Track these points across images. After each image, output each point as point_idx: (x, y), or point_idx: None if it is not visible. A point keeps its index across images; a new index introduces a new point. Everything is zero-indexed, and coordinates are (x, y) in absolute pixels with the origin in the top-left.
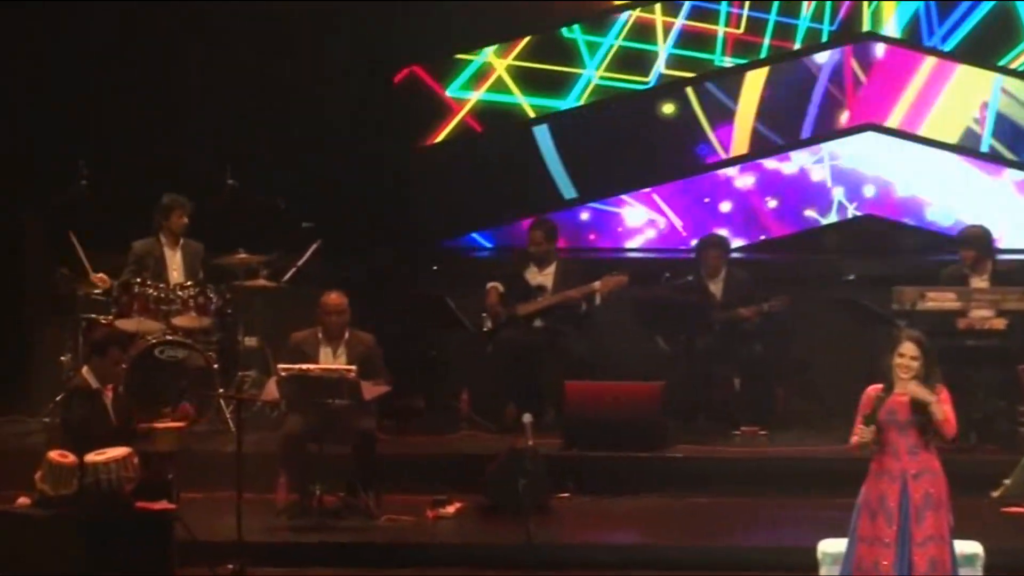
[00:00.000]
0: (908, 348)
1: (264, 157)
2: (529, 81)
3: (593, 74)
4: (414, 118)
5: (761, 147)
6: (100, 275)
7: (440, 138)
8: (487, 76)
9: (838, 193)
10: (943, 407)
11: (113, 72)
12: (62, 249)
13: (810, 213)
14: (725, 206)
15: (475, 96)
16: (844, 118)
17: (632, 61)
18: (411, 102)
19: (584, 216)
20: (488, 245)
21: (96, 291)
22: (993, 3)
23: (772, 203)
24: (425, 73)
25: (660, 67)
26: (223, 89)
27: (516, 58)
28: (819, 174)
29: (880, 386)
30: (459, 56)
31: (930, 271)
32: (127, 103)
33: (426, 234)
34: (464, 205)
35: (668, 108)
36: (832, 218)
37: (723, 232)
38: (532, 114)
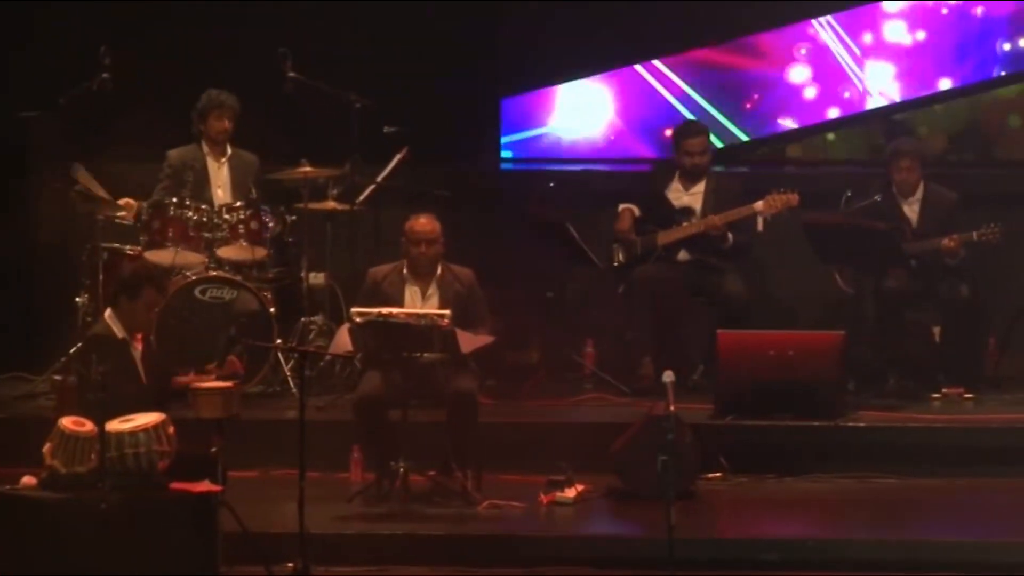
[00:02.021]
0: None
1: (333, 42)
2: None
3: None
4: None
5: None
6: (125, 200)
7: None
8: None
9: None
10: None
11: None
12: (76, 160)
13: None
14: None
15: None
16: None
17: None
18: None
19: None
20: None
21: (120, 215)
22: None
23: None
24: None
25: None
26: None
27: None
28: None
29: None
30: None
31: None
32: None
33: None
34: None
35: None
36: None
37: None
38: None
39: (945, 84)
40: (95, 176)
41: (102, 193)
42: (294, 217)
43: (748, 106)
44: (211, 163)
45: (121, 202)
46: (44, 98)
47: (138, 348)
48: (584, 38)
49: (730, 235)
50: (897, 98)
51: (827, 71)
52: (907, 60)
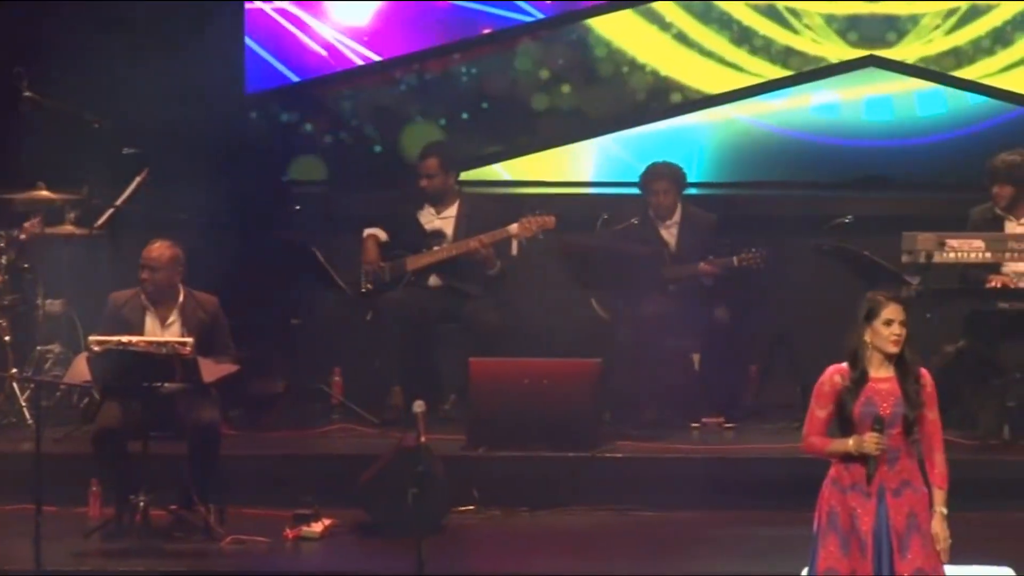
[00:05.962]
0: (895, 311)
1: (72, 58)
2: None
3: None
4: None
5: None
6: None
7: None
8: None
9: None
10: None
11: None
12: None
13: None
14: None
15: None
16: None
17: None
18: None
19: None
20: None
21: None
22: None
23: None
24: None
25: None
26: None
27: None
28: None
29: (844, 366)
30: None
31: (954, 211)
32: None
33: None
34: None
35: None
36: None
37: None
38: None
39: None
40: None
41: None
42: (25, 246)
43: None
44: None
45: None
46: None
47: None
48: None
49: (499, 261)
50: None
51: None
52: None
